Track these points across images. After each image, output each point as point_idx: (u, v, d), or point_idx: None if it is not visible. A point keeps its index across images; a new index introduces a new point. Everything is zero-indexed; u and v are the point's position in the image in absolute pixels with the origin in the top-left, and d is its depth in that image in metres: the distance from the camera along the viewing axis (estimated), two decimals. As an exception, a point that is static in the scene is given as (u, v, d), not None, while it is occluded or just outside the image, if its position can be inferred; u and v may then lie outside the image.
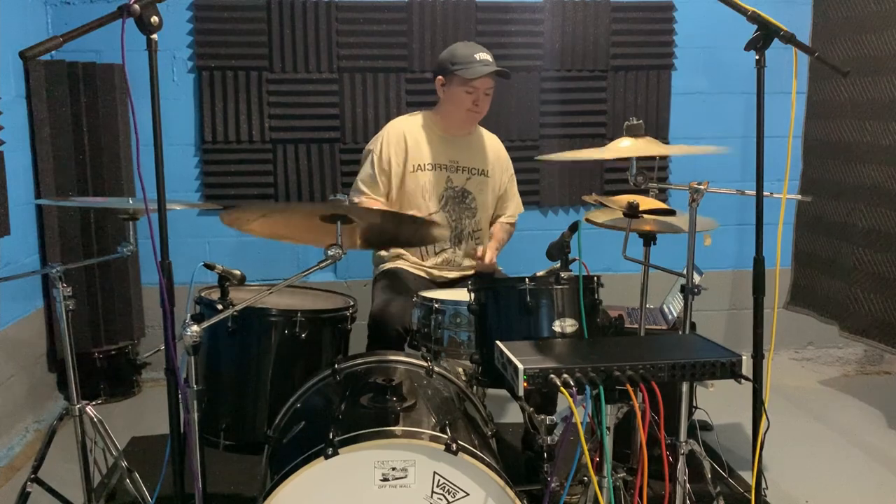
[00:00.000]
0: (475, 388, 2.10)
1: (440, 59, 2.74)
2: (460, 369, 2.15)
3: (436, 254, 2.77)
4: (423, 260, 2.77)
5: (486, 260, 2.67)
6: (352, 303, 2.31)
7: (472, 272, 2.79)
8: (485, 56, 2.65)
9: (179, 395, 1.59)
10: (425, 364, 2.00)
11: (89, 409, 2.06)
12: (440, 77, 2.72)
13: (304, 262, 3.64)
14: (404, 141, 2.72)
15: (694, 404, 2.41)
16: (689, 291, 2.06)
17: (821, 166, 3.67)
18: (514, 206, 2.95)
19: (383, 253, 2.80)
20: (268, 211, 1.87)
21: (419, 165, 2.73)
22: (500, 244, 2.83)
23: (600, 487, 1.63)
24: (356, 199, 2.69)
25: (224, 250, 3.64)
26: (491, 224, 2.91)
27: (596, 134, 3.77)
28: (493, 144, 2.90)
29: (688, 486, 2.03)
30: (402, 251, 2.77)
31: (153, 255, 1.52)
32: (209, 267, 2.02)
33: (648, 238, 2.35)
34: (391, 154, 2.71)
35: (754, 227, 1.82)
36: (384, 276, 2.73)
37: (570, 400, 1.43)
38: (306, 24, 3.54)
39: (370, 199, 2.70)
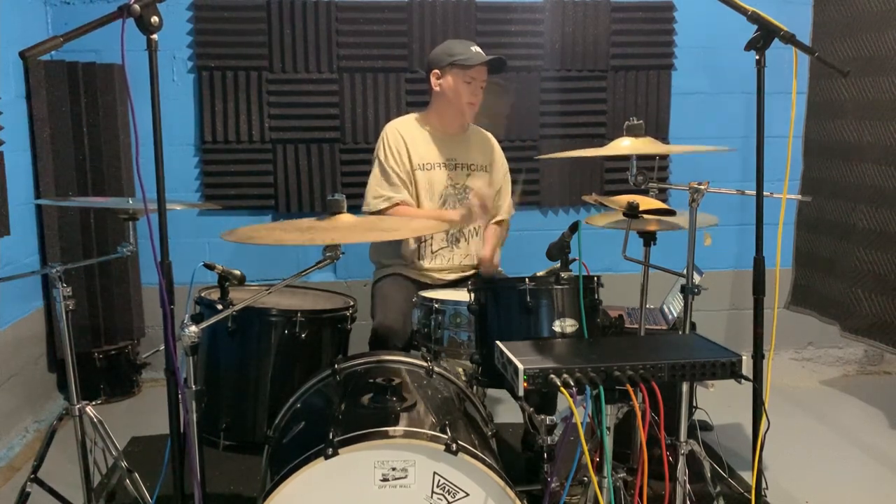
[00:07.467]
0: (475, 388, 2.09)
1: (434, 53, 2.73)
2: (460, 369, 2.15)
3: (432, 253, 2.74)
4: (419, 260, 2.75)
5: (494, 261, 2.73)
6: (352, 303, 2.31)
7: (471, 272, 2.78)
8: (479, 50, 2.68)
9: (179, 395, 1.59)
10: (425, 364, 2.00)
11: (89, 409, 2.06)
12: (436, 70, 2.69)
13: (304, 262, 3.64)
14: (403, 142, 2.71)
15: (694, 404, 2.41)
16: (689, 291, 2.06)
17: (821, 166, 3.66)
18: (507, 205, 2.93)
19: (382, 260, 2.80)
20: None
21: (419, 165, 2.72)
22: (494, 247, 2.83)
23: (600, 487, 1.64)
24: (383, 207, 2.64)
25: (224, 250, 3.63)
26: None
27: (596, 134, 3.77)
28: (489, 141, 2.89)
29: (688, 486, 2.03)
30: (399, 258, 2.76)
31: (153, 255, 1.52)
32: (209, 267, 2.03)
33: (648, 238, 2.35)
34: (394, 154, 2.69)
35: (754, 227, 1.82)
36: (382, 287, 2.70)
37: (570, 400, 1.43)
38: (306, 24, 3.54)
39: (404, 206, 2.67)
